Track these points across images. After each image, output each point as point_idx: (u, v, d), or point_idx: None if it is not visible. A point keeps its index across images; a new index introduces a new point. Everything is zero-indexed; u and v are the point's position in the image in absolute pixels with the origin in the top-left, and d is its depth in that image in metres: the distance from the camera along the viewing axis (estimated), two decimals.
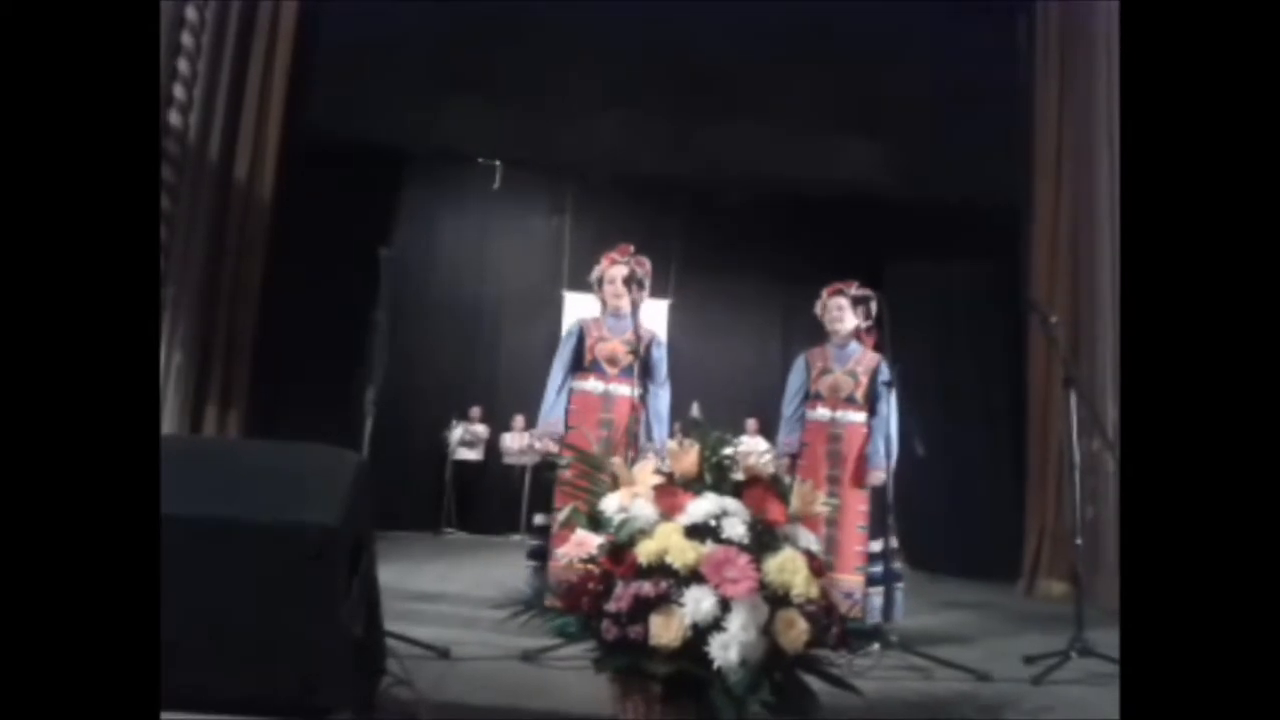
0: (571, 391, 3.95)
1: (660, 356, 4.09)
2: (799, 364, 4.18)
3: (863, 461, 3.95)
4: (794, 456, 4.00)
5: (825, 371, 4.08)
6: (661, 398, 3.97)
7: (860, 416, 4.01)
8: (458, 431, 10.52)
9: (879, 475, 3.82)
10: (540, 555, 3.74)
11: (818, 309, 4.21)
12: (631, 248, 4.07)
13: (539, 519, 3.89)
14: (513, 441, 10.47)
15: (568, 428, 3.87)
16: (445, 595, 4.63)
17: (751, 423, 9.39)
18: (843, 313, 4.09)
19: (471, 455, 10.61)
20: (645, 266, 4.06)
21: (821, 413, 4.03)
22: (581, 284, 4.31)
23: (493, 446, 10.67)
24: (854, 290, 4.12)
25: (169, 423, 5.20)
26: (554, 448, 3.83)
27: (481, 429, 10.67)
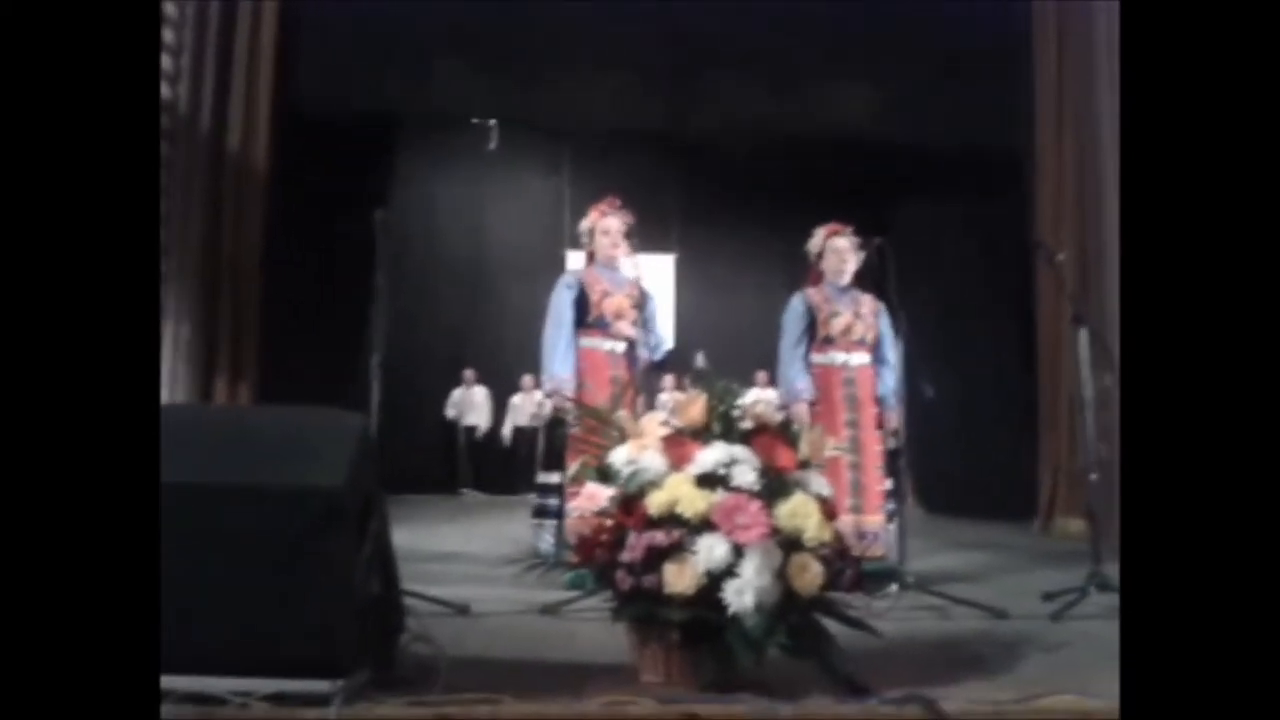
0: (579, 348, 3.91)
1: (654, 308, 4.07)
2: (797, 305, 4.03)
3: (878, 404, 3.94)
4: (811, 403, 3.90)
5: (834, 314, 3.98)
6: (664, 345, 3.97)
7: (868, 359, 3.99)
8: (456, 394, 10.56)
9: (896, 416, 3.79)
10: (552, 514, 3.73)
11: (813, 247, 4.13)
12: (619, 200, 4.02)
13: (549, 477, 3.87)
14: (523, 402, 10.51)
15: (580, 385, 3.83)
16: (464, 555, 4.67)
17: (761, 375, 9.37)
18: (848, 255, 4.03)
19: (475, 420, 10.66)
20: (630, 220, 4.00)
21: (835, 356, 3.95)
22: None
23: (501, 408, 10.72)
24: (850, 234, 4.06)
25: (181, 397, 5.22)
26: (568, 405, 3.78)
27: (480, 394, 10.67)
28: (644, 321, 3.87)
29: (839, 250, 4.04)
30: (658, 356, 3.91)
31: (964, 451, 8.29)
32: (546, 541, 3.73)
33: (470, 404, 10.70)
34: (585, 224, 4.06)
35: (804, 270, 4.26)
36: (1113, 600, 3.15)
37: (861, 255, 3.99)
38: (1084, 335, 3.58)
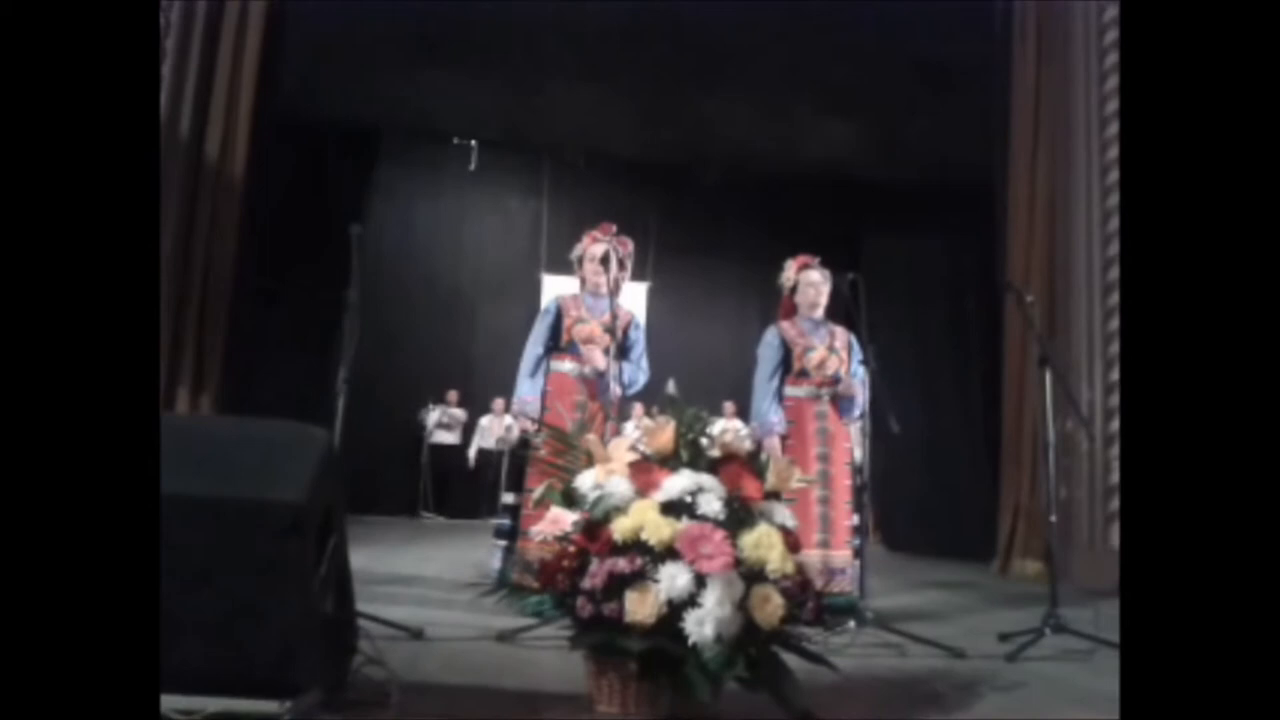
0: (548, 371, 3.92)
1: (637, 338, 4.06)
2: (772, 338, 4.03)
3: (846, 439, 3.95)
4: (783, 437, 3.88)
5: (809, 348, 3.98)
6: (638, 380, 3.95)
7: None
8: (434, 414, 10.47)
9: (861, 451, 3.78)
10: (508, 535, 3.72)
11: (784, 281, 4.14)
12: (614, 227, 4.03)
13: (508, 498, 3.87)
14: (492, 424, 10.43)
15: (544, 408, 3.84)
16: (421, 578, 4.61)
17: (729, 405, 9.40)
18: (822, 288, 4.05)
19: (449, 439, 10.56)
20: (627, 247, 4.01)
21: (808, 390, 3.95)
22: (559, 266, 4.27)
23: (470, 430, 10.63)
24: (819, 266, 4.09)
25: None
26: (530, 427, 3.79)
27: (459, 412, 10.63)
28: (624, 351, 3.87)
29: (813, 283, 4.05)
30: (631, 390, 3.90)
31: (926, 490, 8.35)
32: (496, 563, 3.72)
33: (454, 424, 10.63)
34: (578, 249, 4.07)
35: (777, 302, 4.28)
36: (1068, 642, 3.18)
37: (830, 288, 4.02)
38: (1049, 377, 3.62)
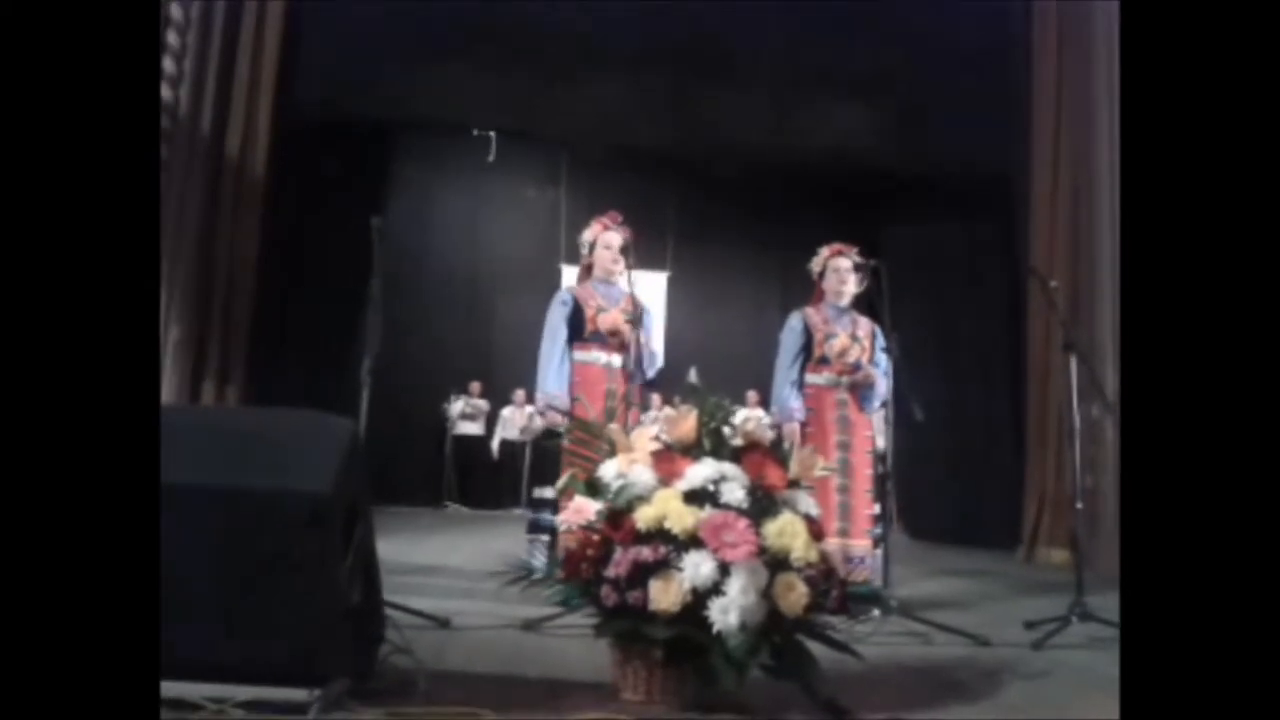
0: (573, 362, 3.89)
1: (649, 325, 4.05)
2: (795, 324, 4.02)
3: (867, 427, 3.94)
4: (803, 424, 3.89)
5: (830, 335, 3.96)
6: (658, 366, 3.95)
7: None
8: (458, 405, 10.52)
9: (884, 439, 3.77)
10: (546, 528, 3.67)
11: (815, 266, 4.13)
12: (620, 216, 4.01)
13: (544, 491, 3.80)
14: (514, 415, 10.47)
15: (573, 399, 3.81)
16: (446, 568, 4.64)
17: (752, 394, 9.38)
18: (848, 276, 4.02)
19: (472, 429, 10.61)
20: (630, 236, 4.00)
21: (829, 377, 3.94)
22: (578, 256, 4.24)
23: (493, 420, 10.68)
24: (855, 255, 4.06)
25: (167, 397, 5.19)
26: (561, 421, 3.75)
27: (482, 402, 10.68)
28: (640, 337, 3.85)
29: (839, 271, 4.03)
30: (651, 374, 3.90)
31: (950, 477, 8.30)
32: (539, 558, 3.66)
33: (478, 415, 10.70)
34: (587, 235, 4.04)
35: (797, 291, 4.26)
36: (1094, 630, 3.16)
37: (860, 277, 3.99)
38: (1074, 363, 3.58)
